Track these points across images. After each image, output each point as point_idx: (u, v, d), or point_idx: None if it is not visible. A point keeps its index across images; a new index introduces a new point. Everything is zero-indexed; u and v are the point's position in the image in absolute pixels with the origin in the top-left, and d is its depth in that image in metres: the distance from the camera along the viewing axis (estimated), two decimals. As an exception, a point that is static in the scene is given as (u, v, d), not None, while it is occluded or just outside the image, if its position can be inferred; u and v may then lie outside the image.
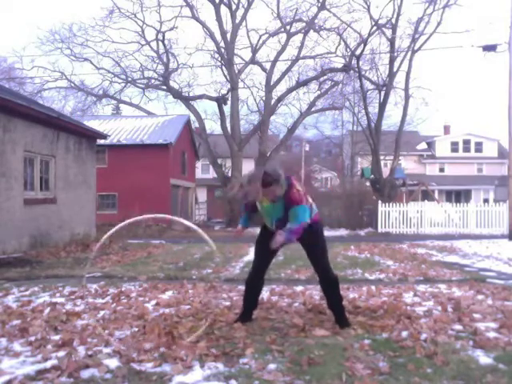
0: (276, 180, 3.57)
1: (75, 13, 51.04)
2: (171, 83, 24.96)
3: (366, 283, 5.90)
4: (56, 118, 10.71)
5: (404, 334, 3.55)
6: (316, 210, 3.93)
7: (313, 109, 25.70)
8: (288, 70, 24.21)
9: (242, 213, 4.21)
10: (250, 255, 9.59)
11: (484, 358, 3.05)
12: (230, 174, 24.68)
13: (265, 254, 3.91)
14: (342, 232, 18.37)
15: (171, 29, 24.31)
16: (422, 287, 5.55)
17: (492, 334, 3.56)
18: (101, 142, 15.01)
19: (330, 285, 3.89)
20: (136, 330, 3.66)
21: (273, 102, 24.35)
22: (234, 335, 3.49)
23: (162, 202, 21.67)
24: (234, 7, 23.45)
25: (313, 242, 3.86)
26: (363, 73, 22.67)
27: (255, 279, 3.98)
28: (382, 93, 22.53)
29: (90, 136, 12.88)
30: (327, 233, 18.59)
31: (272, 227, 3.79)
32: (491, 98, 66.84)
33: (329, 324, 3.82)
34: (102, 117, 26.47)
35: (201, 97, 25.27)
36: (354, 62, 22.25)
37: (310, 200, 3.90)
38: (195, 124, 26.93)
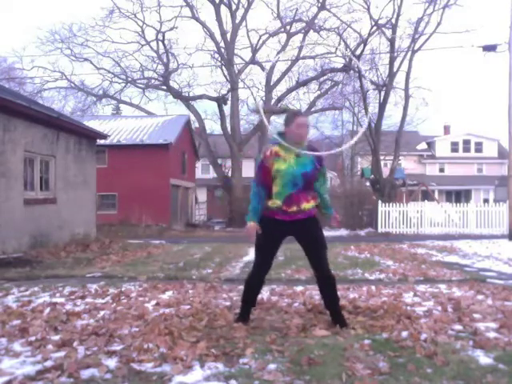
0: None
1: (75, 13, 51.11)
2: (171, 83, 24.99)
3: (366, 283, 5.89)
4: (56, 118, 10.71)
5: (404, 333, 3.54)
6: None
7: (313, 109, 25.73)
8: (288, 70, 24.24)
9: (253, 198, 3.48)
10: (250, 255, 9.58)
11: (484, 358, 3.04)
12: (230, 174, 24.70)
13: (271, 250, 3.67)
14: (342, 232, 18.37)
15: (171, 29, 24.38)
16: (422, 287, 5.54)
17: (492, 334, 3.55)
18: (101, 142, 15.01)
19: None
20: (136, 329, 3.66)
21: (273, 102, 24.37)
22: (234, 335, 3.48)
23: (162, 202, 21.69)
24: (233, 7, 23.49)
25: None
26: (363, 73, 22.68)
27: (258, 279, 3.76)
28: (382, 93, 22.53)
29: (90, 136, 12.87)
30: (327, 233, 18.72)
31: (289, 192, 3.41)
32: (491, 98, 66.91)
33: (329, 324, 3.81)
34: (102, 117, 26.49)
35: (201, 97, 25.31)
36: (353, 62, 22.25)
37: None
38: (195, 124, 26.97)
